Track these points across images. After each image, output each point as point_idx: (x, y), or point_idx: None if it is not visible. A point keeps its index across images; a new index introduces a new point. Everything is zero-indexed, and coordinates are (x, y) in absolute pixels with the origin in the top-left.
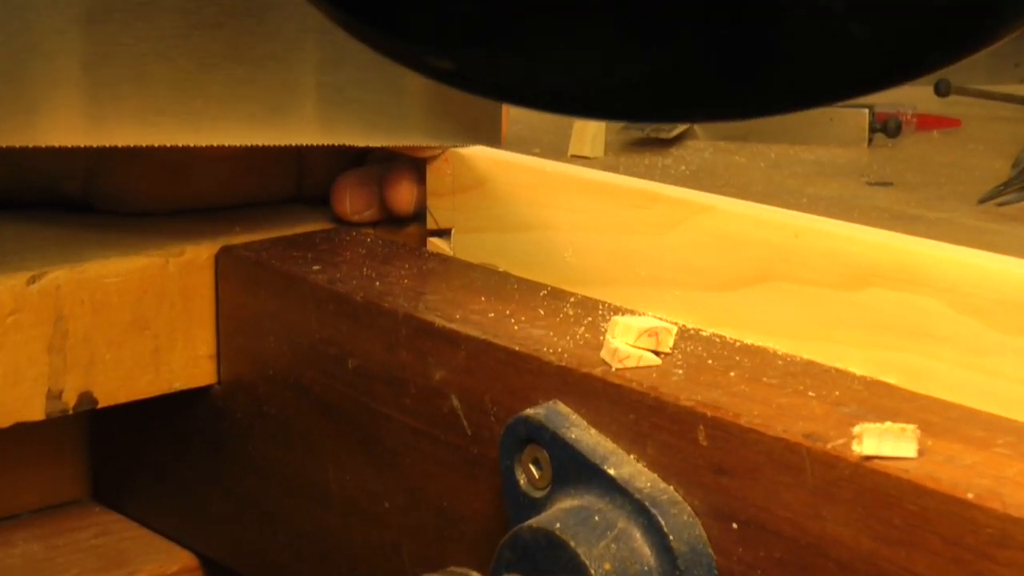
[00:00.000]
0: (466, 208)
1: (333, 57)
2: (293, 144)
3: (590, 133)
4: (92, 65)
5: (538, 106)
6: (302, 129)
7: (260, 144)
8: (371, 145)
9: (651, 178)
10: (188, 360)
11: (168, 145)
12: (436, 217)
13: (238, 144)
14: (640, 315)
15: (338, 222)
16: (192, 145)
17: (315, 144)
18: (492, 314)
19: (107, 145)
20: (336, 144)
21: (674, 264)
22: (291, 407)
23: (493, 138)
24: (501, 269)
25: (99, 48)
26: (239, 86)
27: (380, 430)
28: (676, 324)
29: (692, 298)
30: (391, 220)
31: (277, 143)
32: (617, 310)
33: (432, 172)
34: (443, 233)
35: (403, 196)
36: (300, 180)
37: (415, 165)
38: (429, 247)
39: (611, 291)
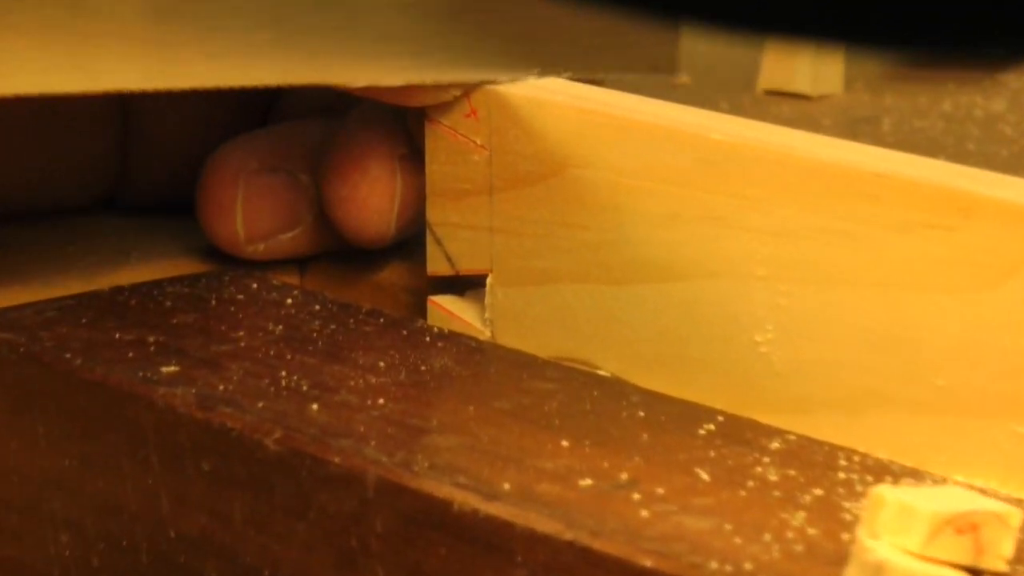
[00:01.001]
0: (523, 227)
1: None
2: (104, 90)
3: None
4: None
5: (711, 22)
6: (123, 61)
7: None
8: (291, 83)
9: (960, 152)
10: None
11: None
12: (449, 249)
13: None
14: (936, 482)
15: (220, 258)
16: None
17: (151, 89)
18: (588, 480)
19: None
20: (198, 87)
21: (1016, 361)
22: None
23: (663, 62)
24: (605, 372)
25: None
26: None
27: None
28: (1020, 505)
29: None
30: (342, 254)
31: (76, 90)
32: (882, 470)
33: (438, 142)
34: (466, 286)
35: (368, 200)
36: (127, 163)
37: (395, 124)
38: (433, 318)
39: (866, 423)
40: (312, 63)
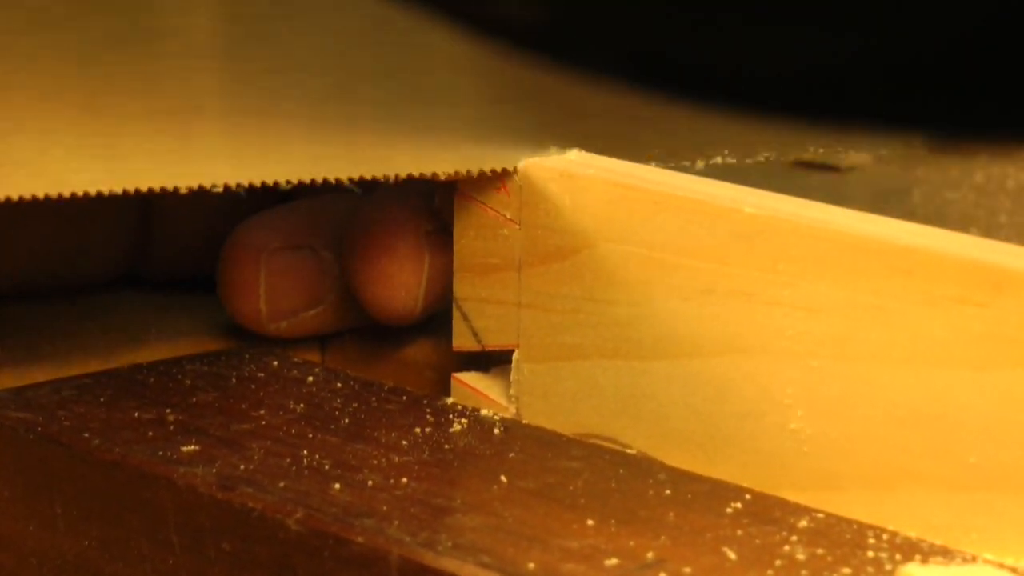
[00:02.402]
0: (551, 302)
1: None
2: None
3: None
4: None
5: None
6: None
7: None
8: (330, 179)
9: (992, 224)
10: None
11: None
12: (476, 324)
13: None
14: (965, 560)
15: (239, 335)
16: None
17: (179, 188)
18: (613, 559)
19: None
20: (230, 184)
21: None
22: None
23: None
24: (632, 449)
25: None
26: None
27: None
28: None
29: None
30: (364, 330)
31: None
32: (912, 548)
33: (469, 217)
34: (491, 363)
35: (394, 278)
36: (148, 239)
37: (422, 199)
38: (457, 395)
39: (896, 500)
40: (352, 158)
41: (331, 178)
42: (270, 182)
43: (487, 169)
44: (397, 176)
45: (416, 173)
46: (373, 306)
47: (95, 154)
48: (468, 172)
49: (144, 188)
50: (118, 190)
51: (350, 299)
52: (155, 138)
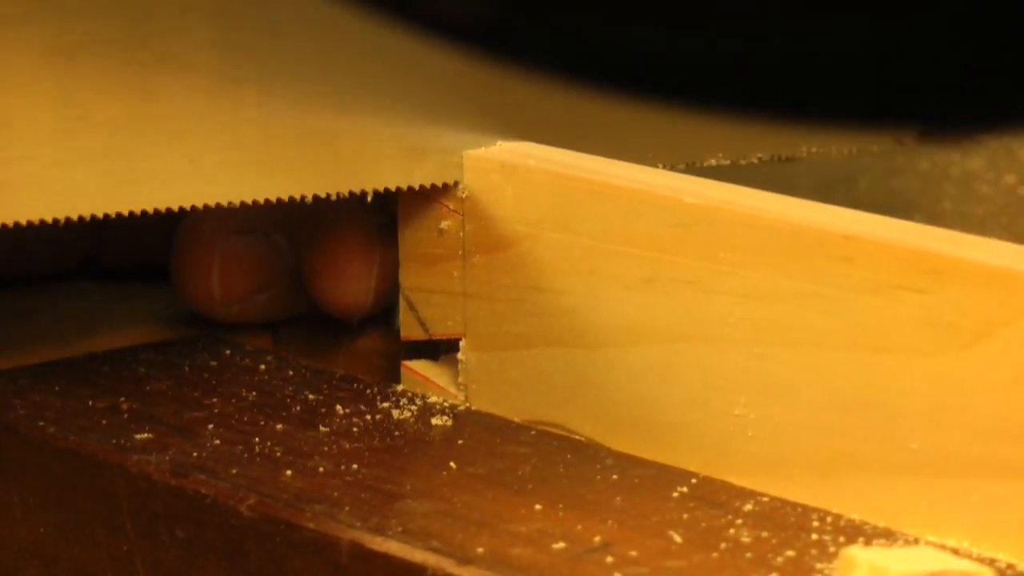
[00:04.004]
0: (496, 292)
1: None
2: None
3: None
4: None
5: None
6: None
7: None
8: (284, 197)
9: (936, 212)
10: None
11: None
12: (422, 314)
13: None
14: (908, 542)
15: (192, 323)
16: None
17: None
18: (561, 543)
19: None
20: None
21: (987, 423)
22: None
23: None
24: (580, 437)
25: None
26: None
27: None
28: (993, 565)
29: None
30: (316, 319)
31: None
32: (855, 531)
33: (412, 208)
34: (440, 351)
35: (344, 267)
36: (101, 227)
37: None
38: (407, 383)
39: (839, 484)
40: (298, 176)
41: (277, 197)
42: (224, 202)
43: (430, 184)
44: (339, 194)
45: (357, 190)
46: (325, 299)
47: (42, 178)
48: (411, 186)
49: (98, 213)
50: (67, 216)
51: (301, 285)
52: (107, 161)
